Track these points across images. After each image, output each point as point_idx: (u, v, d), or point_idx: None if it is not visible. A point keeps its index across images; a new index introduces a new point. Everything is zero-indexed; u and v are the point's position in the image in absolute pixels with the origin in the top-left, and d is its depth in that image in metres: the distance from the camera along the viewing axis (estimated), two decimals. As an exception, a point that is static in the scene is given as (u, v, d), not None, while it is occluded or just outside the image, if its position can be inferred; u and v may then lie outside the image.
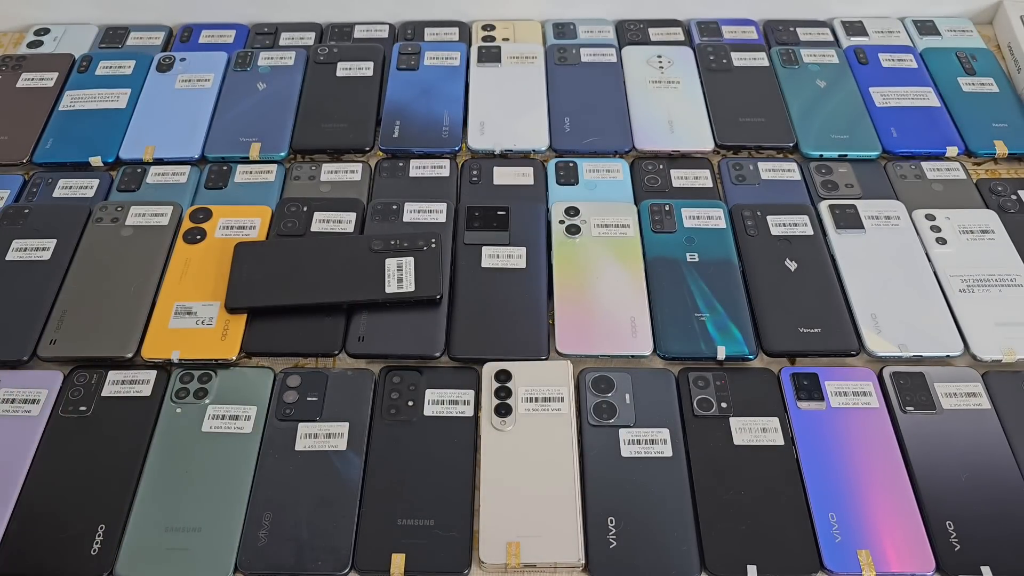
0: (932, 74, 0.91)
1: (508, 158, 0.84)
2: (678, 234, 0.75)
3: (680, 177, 0.82)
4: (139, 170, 0.81)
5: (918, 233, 0.76)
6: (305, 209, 0.76)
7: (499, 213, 0.76)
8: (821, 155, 0.83)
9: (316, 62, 0.91)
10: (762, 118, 0.86)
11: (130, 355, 0.67)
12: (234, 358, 0.67)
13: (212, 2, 0.97)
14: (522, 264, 0.73)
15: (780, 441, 0.63)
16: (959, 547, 0.58)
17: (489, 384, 0.65)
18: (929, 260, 0.74)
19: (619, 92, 0.89)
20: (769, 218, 0.76)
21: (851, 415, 0.64)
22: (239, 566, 0.57)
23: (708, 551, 0.58)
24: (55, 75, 0.90)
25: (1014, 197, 0.79)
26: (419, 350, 0.67)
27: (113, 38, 0.96)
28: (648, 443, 0.63)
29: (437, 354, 0.67)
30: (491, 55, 0.92)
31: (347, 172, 0.81)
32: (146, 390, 0.66)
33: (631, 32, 0.97)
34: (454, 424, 0.64)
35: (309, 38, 0.96)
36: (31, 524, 0.59)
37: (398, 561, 0.57)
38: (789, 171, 0.82)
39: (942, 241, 0.75)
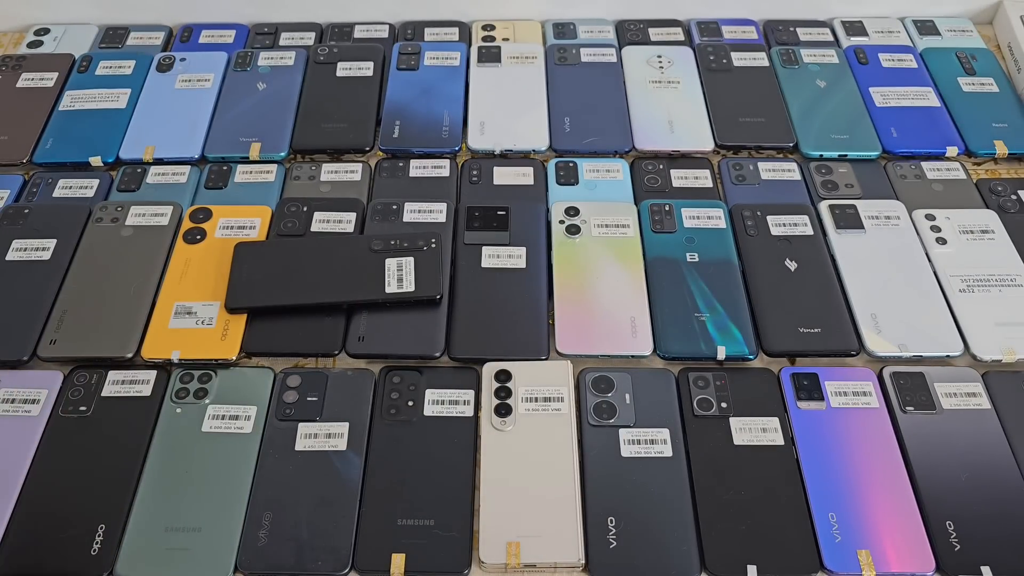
0: (932, 74, 0.91)
1: (508, 158, 0.84)
2: (678, 234, 0.75)
3: (680, 177, 0.82)
4: (139, 170, 0.81)
5: (918, 233, 0.76)
6: (305, 209, 0.76)
7: (499, 213, 0.76)
8: (821, 155, 0.83)
9: (316, 62, 0.91)
10: (762, 118, 0.86)
11: (130, 355, 0.67)
12: (234, 358, 0.67)
13: (212, 2, 0.97)
14: (522, 264, 0.73)
15: (780, 441, 0.63)
16: (959, 547, 0.58)
17: (489, 384, 0.65)
18: (929, 260, 0.74)
19: (619, 92, 0.89)
20: (769, 218, 0.76)
21: (851, 415, 0.64)
22: (239, 566, 0.57)
23: (708, 551, 0.58)
24: (55, 75, 0.90)
25: (1014, 197, 0.79)
26: (419, 350, 0.67)
27: (113, 38, 0.96)
28: (648, 443, 0.63)
29: (437, 354, 0.67)
30: (491, 55, 0.92)
31: (347, 172, 0.81)
32: (146, 390, 0.66)
33: (631, 32, 0.97)
34: (454, 424, 0.64)
35: (309, 38, 0.96)
36: (31, 524, 0.59)
37: (398, 561, 0.57)
38: (789, 171, 0.82)
39: (942, 241, 0.75)
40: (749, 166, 0.82)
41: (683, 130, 0.85)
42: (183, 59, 0.91)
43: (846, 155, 0.83)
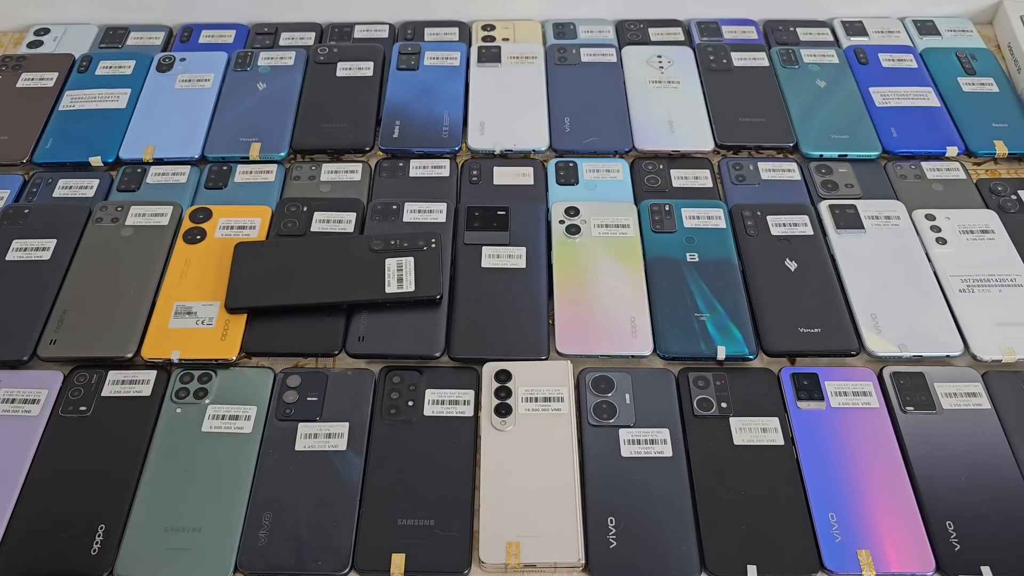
0: (932, 74, 0.91)
1: (508, 158, 0.84)
2: (678, 234, 0.75)
3: (680, 177, 0.82)
4: (139, 170, 0.81)
5: (918, 233, 0.76)
6: (305, 209, 0.76)
7: (499, 213, 0.76)
8: (821, 155, 0.83)
9: (316, 62, 0.91)
10: (762, 118, 0.86)
11: (130, 355, 0.67)
12: (234, 358, 0.67)
13: (212, 2, 0.97)
14: (522, 264, 0.73)
15: (780, 441, 0.63)
16: (959, 547, 0.58)
17: (489, 384, 0.65)
18: (929, 260, 0.74)
19: (619, 92, 0.89)
20: (769, 218, 0.76)
21: (851, 415, 0.64)
22: (239, 566, 0.57)
23: (708, 551, 0.58)
24: (55, 75, 0.90)
25: (1014, 197, 0.79)
26: (419, 350, 0.67)
27: (113, 38, 0.96)
28: (648, 443, 0.63)
29: (437, 354, 0.67)
30: (491, 55, 0.92)
31: (347, 172, 0.81)
32: (146, 390, 0.66)
33: (631, 32, 0.97)
34: (454, 424, 0.64)
35: (309, 38, 0.96)
36: (31, 524, 0.59)
37: (398, 561, 0.57)
38: (789, 171, 0.82)
39: (942, 241, 0.75)
40: (749, 166, 0.82)
41: (683, 130, 0.85)
42: (183, 59, 0.91)
43: (846, 155, 0.83)
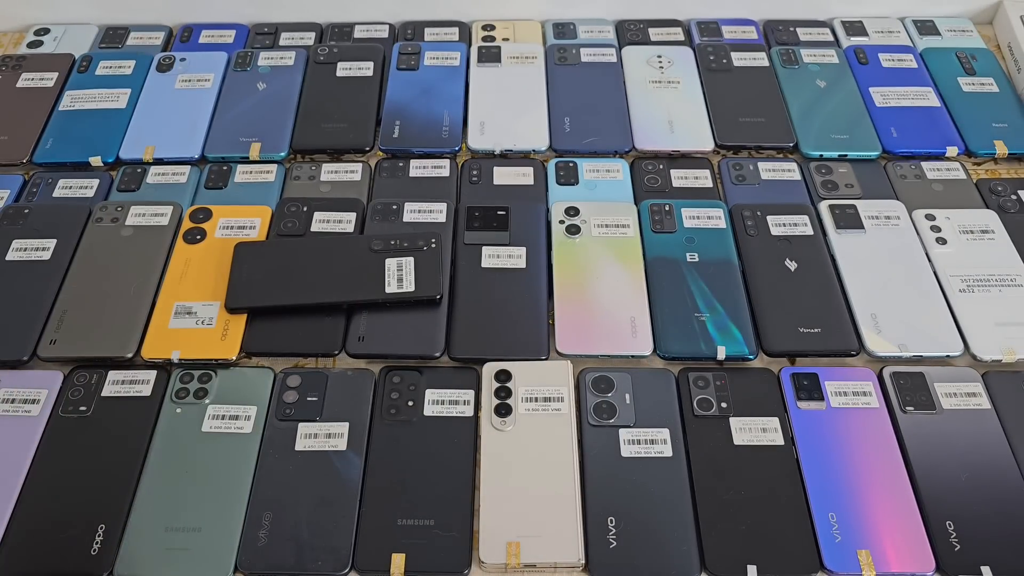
0: (932, 74, 0.91)
1: (508, 158, 0.84)
2: (678, 234, 0.75)
3: (680, 177, 0.82)
4: (139, 170, 0.81)
5: (918, 233, 0.76)
6: (305, 209, 0.76)
7: (499, 213, 0.76)
8: (821, 155, 0.83)
9: (316, 62, 0.91)
10: (762, 118, 0.86)
11: (130, 355, 0.67)
12: (234, 358, 0.67)
13: (212, 2, 0.97)
14: (522, 264, 0.73)
15: (780, 441, 0.63)
16: (959, 547, 0.58)
17: (489, 384, 0.65)
18: (929, 260, 0.74)
19: (619, 92, 0.89)
20: (769, 218, 0.76)
21: (851, 415, 0.64)
22: (239, 566, 0.57)
23: (708, 551, 0.58)
24: (55, 75, 0.90)
25: (1014, 197, 0.79)
26: (419, 350, 0.67)
27: (113, 38, 0.96)
28: (648, 443, 0.63)
29: (437, 354, 0.67)
30: (491, 55, 0.92)
31: (347, 172, 0.81)
32: (146, 390, 0.66)
33: (631, 32, 0.97)
34: (454, 424, 0.64)
35: (309, 38, 0.96)
36: (31, 524, 0.59)
37: (398, 561, 0.57)
38: (789, 171, 0.82)
39: (942, 241, 0.75)
40: (749, 166, 0.82)
41: (683, 130, 0.85)
42: (183, 59, 0.91)
43: (846, 155, 0.83)
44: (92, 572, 0.57)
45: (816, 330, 0.68)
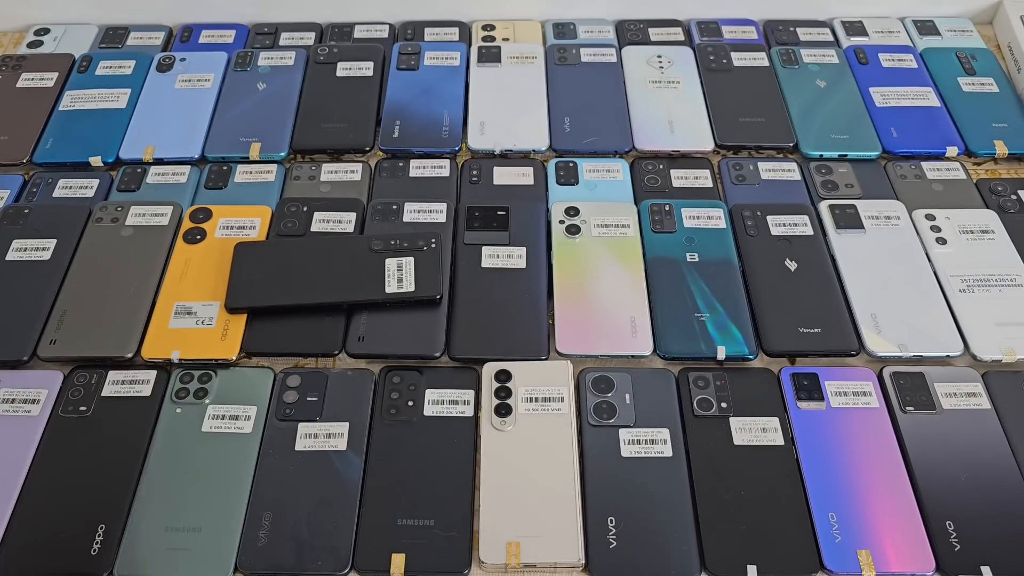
0: (932, 74, 0.91)
1: (508, 158, 0.84)
2: (678, 234, 0.75)
3: (680, 177, 0.82)
4: (139, 170, 0.81)
5: (918, 233, 0.76)
6: (305, 209, 0.76)
7: (499, 213, 0.76)
8: (821, 155, 0.83)
9: (316, 62, 0.91)
10: (762, 118, 0.86)
11: (130, 355, 0.67)
12: (234, 358, 0.67)
13: (212, 2, 0.97)
14: (522, 264, 0.73)
15: (780, 441, 0.63)
16: (959, 547, 0.58)
17: (489, 384, 0.65)
18: (929, 260, 0.74)
19: (619, 92, 0.89)
20: (769, 218, 0.76)
21: (851, 415, 0.64)
22: (239, 566, 0.57)
23: (708, 551, 0.58)
24: (55, 75, 0.90)
25: (1014, 197, 0.79)
26: (419, 350, 0.67)
27: (113, 38, 0.96)
28: (648, 443, 0.63)
29: (437, 354, 0.67)
30: (491, 55, 0.92)
31: (347, 172, 0.81)
32: (146, 390, 0.66)
33: (631, 32, 0.97)
34: (454, 424, 0.64)
35: (309, 38, 0.96)
36: (31, 524, 0.59)
37: (398, 561, 0.57)
38: (789, 171, 0.82)
39: (942, 241, 0.75)
40: (749, 166, 0.82)
41: (683, 130, 0.85)
42: (183, 59, 0.91)
43: (846, 155, 0.83)
44: (92, 572, 0.57)
45: (816, 330, 0.68)
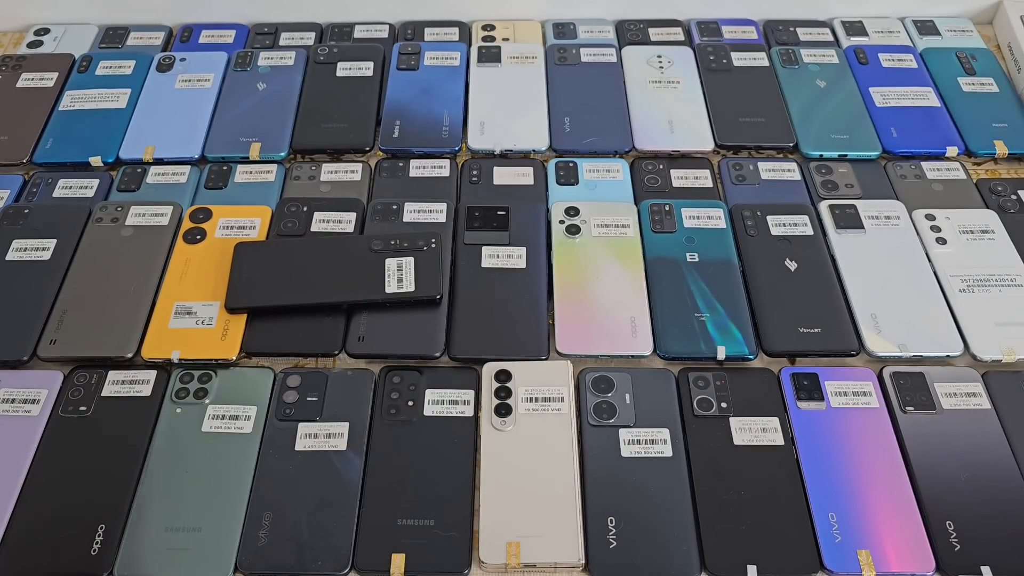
0: (932, 74, 0.91)
1: (508, 158, 0.84)
2: (678, 234, 0.75)
3: (680, 177, 0.82)
4: (139, 170, 0.81)
5: (918, 233, 0.76)
6: (305, 209, 0.76)
7: (499, 213, 0.76)
8: (821, 155, 0.83)
9: (316, 62, 0.91)
10: (762, 118, 0.86)
11: (130, 355, 0.67)
12: (234, 358, 0.67)
13: (212, 2, 0.97)
14: (522, 264, 0.73)
15: (780, 441, 0.63)
16: (959, 547, 0.58)
17: (489, 384, 0.65)
18: (929, 260, 0.74)
19: (619, 92, 0.89)
20: (769, 218, 0.76)
21: (851, 415, 0.64)
22: (239, 566, 0.57)
23: (708, 551, 0.58)
24: (55, 75, 0.90)
25: (1014, 197, 0.79)
26: (419, 350, 0.67)
27: (113, 38, 0.96)
28: (648, 443, 0.63)
29: (437, 354, 0.67)
30: (491, 55, 0.92)
31: (347, 172, 0.81)
32: (146, 390, 0.66)
33: (631, 32, 0.97)
34: (454, 424, 0.64)
35: (309, 38, 0.96)
36: (31, 524, 0.59)
37: (398, 561, 0.57)
38: (789, 171, 0.82)
39: (942, 241, 0.75)
40: (749, 166, 0.82)
41: (683, 130, 0.85)
42: (183, 59, 0.91)
43: (846, 155, 0.83)
44: (92, 572, 0.57)
45: (816, 330, 0.68)
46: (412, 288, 0.69)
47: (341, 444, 0.63)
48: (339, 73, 0.90)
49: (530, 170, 0.82)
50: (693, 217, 0.76)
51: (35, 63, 0.91)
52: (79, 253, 0.73)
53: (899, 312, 0.69)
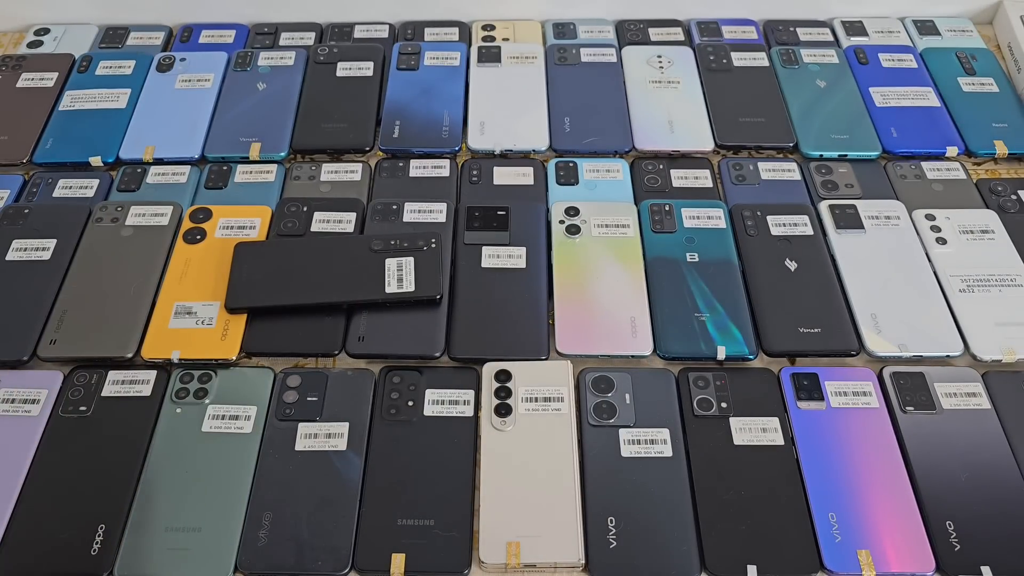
0: (932, 74, 0.91)
1: (508, 158, 0.84)
2: (678, 234, 0.75)
3: (680, 177, 0.82)
4: (139, 170, 0.81)
5: (918, 233, 0.76)
6: (305, 209, 0.76)
7: (499, 213, 0.76)
8: (821, 155, 0.83)
9: (316, 62, 0.91)
10: (762, 118, 0.86)
11: (130, 355, 0.67)
12: (234, 358, 0.67)
13: (212, 2, 0.97)
14: (522, 264, 0.73)
15: (780, 441, 0.63)
16: (959, 547, 0.58)
17: (489, 384, 0.65)
18: (929, 260, 0.74)
19: (619, 92, 0.89)
20: (769, 218, 0.76)
21: (851, 415, 0.64)
22: (239, 566, 0.57)
23: (708, 551, 0.58)
24: (55, 75, 0.90)
25: (1014, 197, 0.79)
26: (419, 350, 0.67)
27: (113, 38, 0.96)
28: (648, 443, 0.63)
29: (437, 354, 0.67)
30: (491, 55, 0.92)
31: (347, 172, 0.81)
32: (146, 390, 0.66)
33: (631, 32, 0.97)
34: (454, 424, 0.64)
35: (309, 38, 0.96)
36: (31, 524, 0.59)
37: (398, 561, 0.57)
38: (789, 171, 0.82)
39: (942, 241, 0.75)
40: (749, 166, 0.82)
41: (683, 130, 0.85)
42: (183, 59, 0.91)
43: (846, 155, 0.83)
44: (92, 572, 0.57)
45: (816, 330, 0.68)
46: (412, 288, 0.69)
47: (341, 444, 0.63)
48: (339, 73, 0.90)
49: (530, 170, 0.82)
50: (693, 217, 0.76)
51: (35, 63, 0.91)
52: (79, 253, 0.73)
53: (899, 312, 0.69)
